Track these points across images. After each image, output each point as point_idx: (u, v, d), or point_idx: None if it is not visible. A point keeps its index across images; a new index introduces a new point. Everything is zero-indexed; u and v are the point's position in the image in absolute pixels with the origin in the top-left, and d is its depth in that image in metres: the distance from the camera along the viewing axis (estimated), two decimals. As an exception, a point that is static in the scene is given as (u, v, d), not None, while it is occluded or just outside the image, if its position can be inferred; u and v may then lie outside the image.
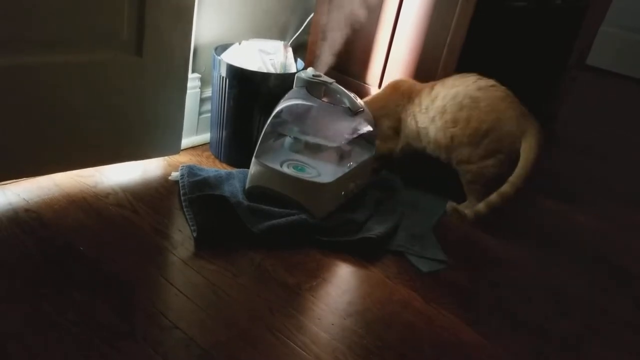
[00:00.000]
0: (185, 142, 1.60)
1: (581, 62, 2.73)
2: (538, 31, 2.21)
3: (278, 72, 1.55)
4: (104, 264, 1.14)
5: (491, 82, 1.50)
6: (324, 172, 1.44)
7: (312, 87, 1.44)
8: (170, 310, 1.07)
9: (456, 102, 1.48)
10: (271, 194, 1.39)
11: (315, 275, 1.23)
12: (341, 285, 1.24)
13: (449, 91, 1.50)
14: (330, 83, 1.45)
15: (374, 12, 1.72)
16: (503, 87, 1.49)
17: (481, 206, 1.41)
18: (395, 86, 1.63)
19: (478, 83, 1.49)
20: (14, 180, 1.31)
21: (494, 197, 1.40)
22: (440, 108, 1.50)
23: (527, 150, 1.41)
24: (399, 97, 1.60)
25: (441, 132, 1.51)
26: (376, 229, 1.37)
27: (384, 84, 1.72)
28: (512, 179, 1.39)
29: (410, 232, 1.42)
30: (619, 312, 1.32)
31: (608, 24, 3.13)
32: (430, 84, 1.58)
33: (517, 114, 1.43)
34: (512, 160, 1.43)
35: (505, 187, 1.39)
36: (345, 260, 1.30)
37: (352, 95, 1.45)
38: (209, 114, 1.64)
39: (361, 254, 1.32)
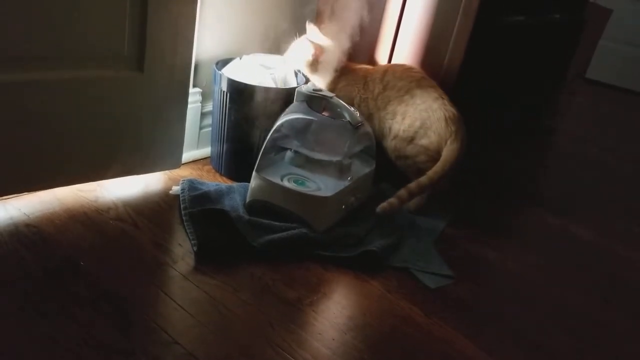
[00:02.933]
0: (186, 156, 1.60)
1: (580, 76, 2.75)
2: (537, 45, 2.22)
3: (279, 86, 1.56)
4: (104, 279, 1.14)
5: (432, 82, 1.57)
6: (324, 185, 1.44)
7: (313, 102, 1.45)
8: (170, 325, 1.06)
9: (399, 95, 1.55)
10: (272, 207, 1.39)
11: (316, 290, 1.23)
12: (342, 299, 1.24)
13: (397, 83, 1.57)
14: (331, 97, 1.46)
15: (374, 29, 1.73)
16: (440, 90, 1.55)
17: (403, 192, 1.47)
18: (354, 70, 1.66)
19: (420, 81, 1.56)
20: (15, 195, 1.32)
21: (413, 184, 1.47)
22: (386, 98, 1.57)
23: (447, 151, 1.48)
24: (356, 80, 1.63)
25: (382, 122, 1.57)
26: (377, 242, 1.37)
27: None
28: (430, 173, 1.47)
29: (412, 248, 1.41)
30: (620, 326, 1.32)
31: (607, 38, 3.15)
32: (382, 69, 1.63)
33: (447, 117, 1.49)
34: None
35: (423, 178, 1.47)
36: (346, 274, 1.30)
37: (352, 109, 1.46)
38: (210, 128, 1.64)
39: (362, 268, 1.31)
